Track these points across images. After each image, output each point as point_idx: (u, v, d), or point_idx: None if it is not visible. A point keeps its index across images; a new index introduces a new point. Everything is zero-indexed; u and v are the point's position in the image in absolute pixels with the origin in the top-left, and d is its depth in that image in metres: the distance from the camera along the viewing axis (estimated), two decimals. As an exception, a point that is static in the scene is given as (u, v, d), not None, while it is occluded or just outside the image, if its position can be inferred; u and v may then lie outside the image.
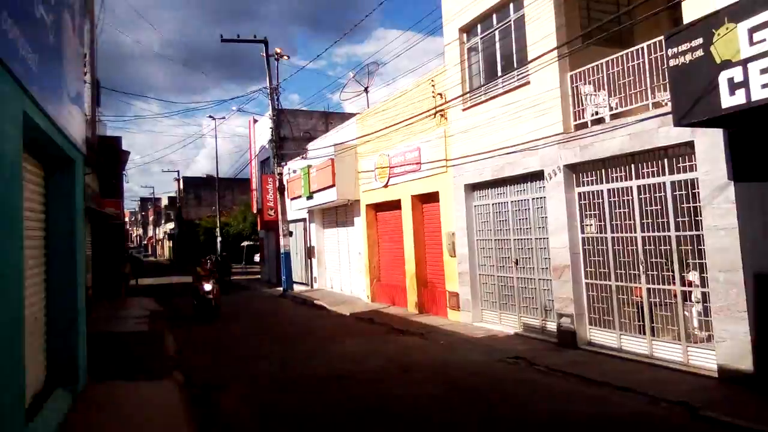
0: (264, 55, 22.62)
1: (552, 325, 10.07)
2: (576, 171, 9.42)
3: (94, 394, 6.75)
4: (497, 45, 11.24)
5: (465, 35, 12.19)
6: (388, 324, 13.08)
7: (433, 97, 12.93)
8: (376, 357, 9.58)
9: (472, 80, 12.04)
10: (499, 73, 11.08)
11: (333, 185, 17.56)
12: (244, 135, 31.59)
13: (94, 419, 5.76)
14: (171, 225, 65.80)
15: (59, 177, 6.92)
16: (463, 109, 11.98)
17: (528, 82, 10.08)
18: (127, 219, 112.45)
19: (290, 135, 26.12)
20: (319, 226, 21.92)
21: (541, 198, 10.25)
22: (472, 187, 12.19)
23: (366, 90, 18.85)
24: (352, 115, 20.32)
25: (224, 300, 20.18)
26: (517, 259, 11.07)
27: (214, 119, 57.65)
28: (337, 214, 20.22)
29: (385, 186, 15.64)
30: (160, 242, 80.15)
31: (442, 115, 12.76)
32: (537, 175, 10.21)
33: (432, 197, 13.79)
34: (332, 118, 26.90)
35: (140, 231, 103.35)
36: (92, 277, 21.24)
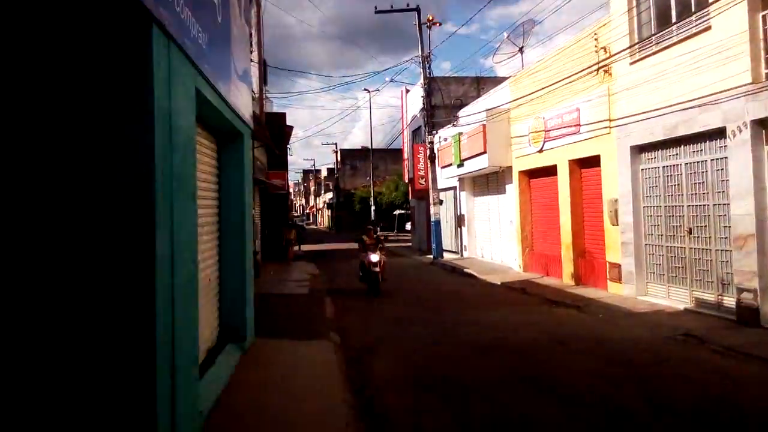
0: (416, 24, 22.62)
1: (730, 301, 8.95)
2: (766, 127, 8.12)
3: (261, 350, 7.37)
4: (671, -13, 9.98)
5: (633, -21, 11.01)
6: (541, 295, 12.60)
7: (596, 51, 11.92)
8: (528, 328, 9.28)
9: (641, 30, 10.86)
10: (674, 20, 9.83)
11: (484, 152, 17.17)
12: (397, 106, 32.04)
13: (261, 374, 6.28)
14: (330, 195, 69.71)
15: (230, 149, 7.54)
16: (631, 63, 10.89)
17: (709, 27, 8.83)
18: (291, 190, 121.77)
19: (441, 103, 25.96)
20: (470, 194, 21.69)
21: (721, 159, 9.03)
22: (639, 149, 11.12)
23: (521, 50, 17.93)
24: (504, 79, 19.56)
25: (355, 269, 20.92)
26: (690, 228, 9.94)
27: (368, 92, 59.65)
28: (488, 182, 19.80)
29: (540, 151, 14.91)
30: (320, 211, 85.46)
31: (605, 71, 11.74)
32: (717, 133, 9.00)
33: (591, 161, 12.86)
34: (484, 83, 26.21)
35: (302, 201, 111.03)
36: (260, 243, 23.38)
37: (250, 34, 9.51)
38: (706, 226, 9.58)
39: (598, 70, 11.85)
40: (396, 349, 8.04)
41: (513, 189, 17.07)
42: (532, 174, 16.29)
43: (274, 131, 28.16)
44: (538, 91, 14.00)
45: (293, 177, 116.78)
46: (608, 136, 11.88)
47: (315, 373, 6.36)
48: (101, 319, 3.49)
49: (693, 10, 9.38)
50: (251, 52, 23.68)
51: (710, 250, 9.51)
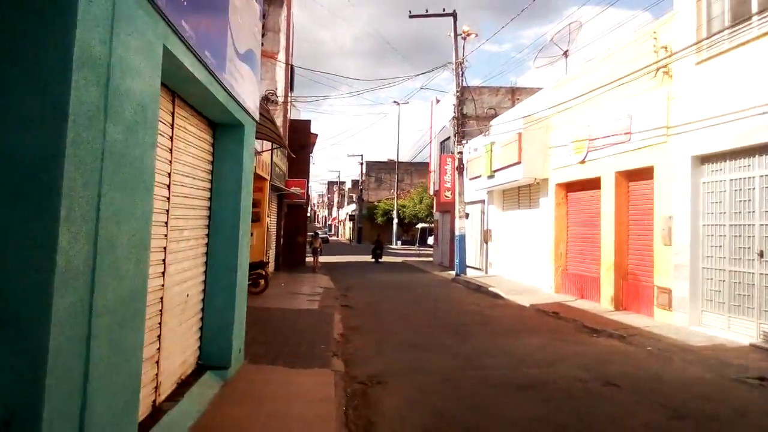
0: (452, 30, 21.48)
1: (815, 341, 7.48)
2: None
3: (247, 380, 6.17)
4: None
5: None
6: (577, 320, 11.18)
7: (655, 52, 10.54)
8: (566, 362, 7.90)
9: (710, 26, 9.49)
10: (754, 10, 8.45)
11: (519, 162, 15.84)
12: (426, 120, 30.90)
13: (241, 412, 5.07)
14: (353, 206, 68.86)
15: (227, 142, 6.41)
16: (697, 63, 9.53)
17: (799, 14, 7.46)
18: (315, 201, 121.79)
19: (473, 113, 24.82)
20: (498, 208, 20.31)
21: (808, 171, 7.60)
22: (701, 160, 9.71)
23: (565, 54, 16.51)
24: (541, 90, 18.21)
25: (391, 281, 19.86)
26: (762, 251, 8.48)
27: (397, 104, 58.97)
28: (520, 195, 18.42)
29: (582, 162, 13.53)
30: (342, 222, 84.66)
31: (665, 73, 10.37)
32: (805, 141, 7.58)
33: (642, 173, 11.45)
34: (519, 93, 24.92)
35: (326, 212, 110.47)
36: (278, 251, 22.38)
37: (264, 15, 8.42)
38: (783, 249, 8.12)
39: (656, 71, 10.47)
40: (410, 383, 6.74)
41: (549, 202, 15.68)
42: (570, 187, 14.90)
43: (298, 137, 27.40)
44: (585, 94, 12.64)
45: (318, 188, 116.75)
46: (665, 145, 10.48)
47: (308, 414, 5.11)
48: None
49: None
50: (276, 53, 22.92)
51: (788, 278, 8.04)
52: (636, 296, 11.78)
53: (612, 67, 11.95)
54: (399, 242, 53.51)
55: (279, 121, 23.51)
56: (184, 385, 5.40)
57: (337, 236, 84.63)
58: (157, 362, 4.71)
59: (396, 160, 54.82)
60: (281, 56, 22.93)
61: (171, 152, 4.90)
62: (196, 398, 5.15)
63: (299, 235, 26.73)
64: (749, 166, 8.75)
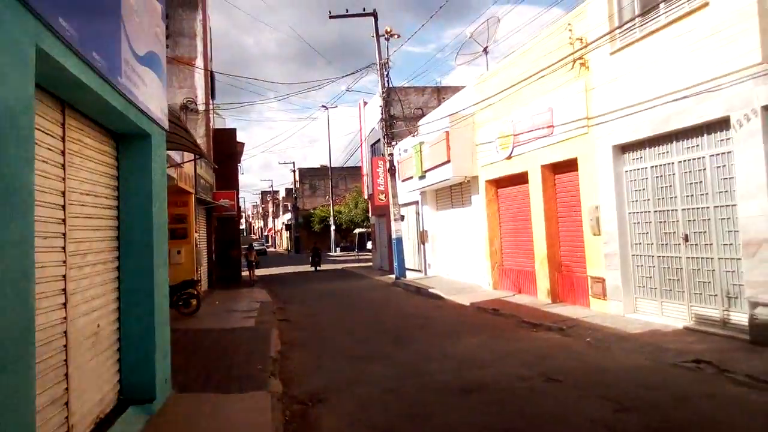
0: (374, 34, 21.31)
1: (740, 317, 7.73)
2: (780, 113, 6.96)
3: (175, 412, 5.65)
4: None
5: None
6: (516, 316, 11.19)
7: (571, 44, 10.70)
8: (509, 360, 7.80)
9: (621, 15, 9.70)
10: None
11: (448, 161, 15.83)
12: (356, 123, 30.67)
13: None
14: (288, 216, 67.72)
15: (133, 154, 5.85)
16: (612, 53, 9.73)
17: (706, 4, 7.67)
18: (249, 212, 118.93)
19: (401, 114, 24.78)
20: (432, 209, 20.31)
21: (724, 154, 7.85)
22: (622, 149, 9.92)
23: (485, 50, 16.64)
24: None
25: (331, 290, 19.45)
26: (686, 234, 8.72)
27: (326, 108, 58.43)
28: (452, 194, 18.47)
29: (508, 158, 13.64)
30: (278, 233, 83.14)
31: (582, 64, 10.55)
32: (718, 125, 7.83)
33: (567, 166, 11.62)
34: (445, 92, 25.08)
35: (261, 223, 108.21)
36: (210, 267, 21.44)
37: (167, 15, 7.83)
38: (705, 231, 8.35)
39: (573, 63, 10.64)
40: (351, 398, 6.40)
41: (480, 200, 15.75)
42: (500, 183, 15.01)
43: (223, 147, 26.44)
44: (506, 90, 12.74)
45: (251, 198, 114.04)
46: (586, 136, 10.66)
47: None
48: None
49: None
50: (194, 59, 21.98)
51: (712, 258, 8.28)
52: (571, 287, 11.93)
53: (531, 61, 12.09)
54: (338, 249, 52.99)
55: (201, 131, 22.60)
56: (105, 423, 4.85)
57: (275, 247, 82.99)
58: (67, 404, 4.16)
59: (329, 166, 54.30)
60: (199, 62, 22.06)
61: (64, 168, 4.36)
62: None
63: (233, 250, 25.84)
64: (668, 152, 8.98)
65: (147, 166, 5.84)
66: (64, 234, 4.29)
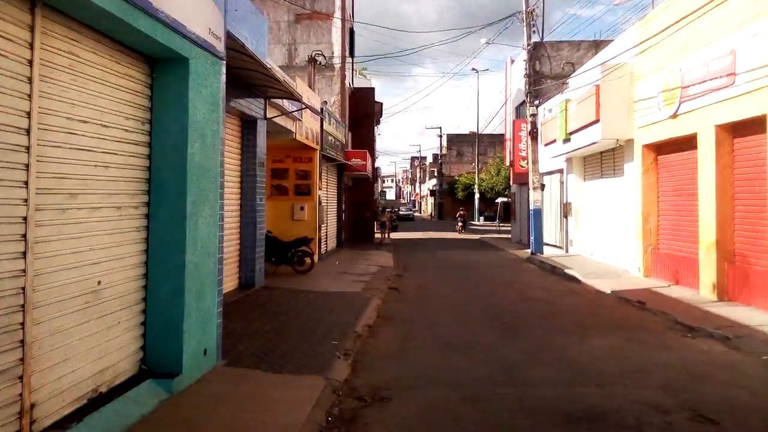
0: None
1: None
2: None
3: (202, 393, 4.80)
4: None
5: None
6: (667, 313, 8.98)
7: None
8: (645, 377, 5.88)
9: None
10: None
11: (597, 120, 13.44)
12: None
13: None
14: (434, 182, 67.00)
15: (167, 83, 4.96)
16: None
17: None
18: (400, 177, 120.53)
19: (549, 71, 22.27)
20: (579, 178, 17.84)
21: None
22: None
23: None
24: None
25: (457, 260, 18.03)
26: None
27: (476, 71, 56.10)
28: (603, 161, 15.91)
29: (674, 116, 11.03)
30: (424, 198, 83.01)
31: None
32: None
33: (751, 126, 8.91)
34: (604, 46, 21.89)
35: (410, 188, 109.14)
36: (340, 226, 21.22)
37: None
38: None
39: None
40: (419, 403, 5.09)
41: (634, 169, 13.19)
42: (660, 149, 12.37)
43: (360, 107, 25.95)
44: (672, 25, 10.09)
45: (402, 164, 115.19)
46: (784, 84, 7.94)
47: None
48: None
49: None
50: (332, 14, 21.43)
51: None
52: (746, 283, 9.34)
53: (714, -7, 9.36)
54: (481, 218, 51.12)
55: (336, 88, 22.20)
56: (104, 400, 4.16)
57: (420, 212, 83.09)
58: (21, 378, 3.43)
59: (476, 132, 52.25)
60: (337, 16, 21.44)
61: (31, 83, 3.53)
62: (99, 423, 3.84)
63: (366, 210, 25.59)
64: None
65: (183, 97, 4.92)
66: (27, 165, 3.49)
